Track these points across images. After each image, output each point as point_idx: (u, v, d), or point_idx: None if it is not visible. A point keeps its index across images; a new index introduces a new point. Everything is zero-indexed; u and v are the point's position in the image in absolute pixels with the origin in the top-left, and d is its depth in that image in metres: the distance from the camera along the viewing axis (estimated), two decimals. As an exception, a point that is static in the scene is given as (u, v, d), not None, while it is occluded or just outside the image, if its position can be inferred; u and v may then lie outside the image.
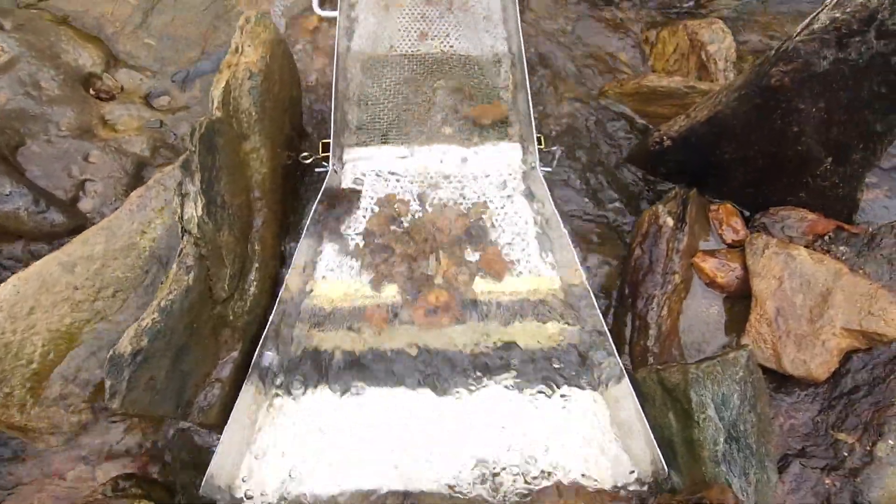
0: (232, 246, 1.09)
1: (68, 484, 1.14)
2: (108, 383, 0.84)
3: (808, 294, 1.19)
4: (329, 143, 1.45)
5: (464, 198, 1.43)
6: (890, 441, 1.04)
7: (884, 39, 0.95)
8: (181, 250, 0.98)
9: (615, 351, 1.18)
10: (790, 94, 1.07)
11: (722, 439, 1.01)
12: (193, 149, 0.99)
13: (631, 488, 1.11)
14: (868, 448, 1.06)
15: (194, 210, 0.97)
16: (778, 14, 1.74)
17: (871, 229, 1.25)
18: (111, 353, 0.85)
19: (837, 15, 0.95)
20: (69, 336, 1.17)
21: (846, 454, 1.08)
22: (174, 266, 0.96)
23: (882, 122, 1.07)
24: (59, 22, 1.72)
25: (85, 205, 1.40)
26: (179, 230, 0.99)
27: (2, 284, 1.12)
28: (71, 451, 1.16)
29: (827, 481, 1.07)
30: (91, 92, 1.61)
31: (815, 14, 0.99)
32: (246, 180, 1.19)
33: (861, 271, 1.19)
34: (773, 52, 1.06)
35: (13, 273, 1.24)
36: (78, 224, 1.36)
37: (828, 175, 1.21)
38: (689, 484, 1.06)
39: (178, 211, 0.98)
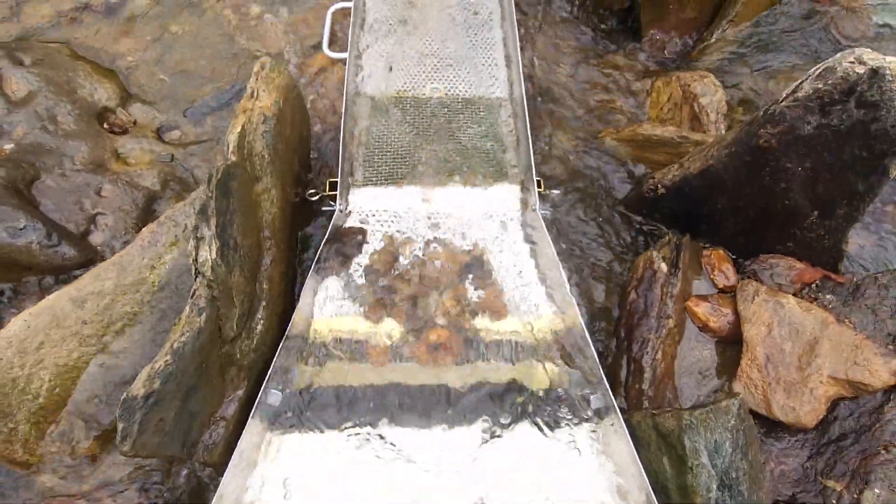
0: (242, 286, 1.12)
1: (68, 520, 1.14)
2: (120, 426, 0.86)
3: (797, 342, 1.24)
4: (336, 181, 1.50)
5: (465, 238, 1.47)
6: (876, 489, 1.08)
7: (863, 109, 1.02)
8: (194, 292, 1.01)
9: (611, 395, 1.21)
10: (777, 154, 1.13)
11: (715, 486, 1.04)
12: (211, 194, 1.03)
13: None
14: (855, 496, 1.09)
15: (209, 253, 1.01)
16: (759, 68, 1.84)
17: (855, 279, 1.31)
18: (124, 395, 0.88)
19: (820, 86, 1.02)
20: (76, 371, 1.19)
21: (834, 501, 1.11)
22: (187, 308, 0.99)
23: (864, 182, 1.14)
24: (76, 57, 1.78)
25: (96, 238, 1.44)
26: (193, 272, 1.02)
27: (13, 319, 1.15)
28: (72, 484, 1.16)
29: (817, 528, 1.09)
30: (105, 126, 1.66)
31: (799, 82, 1.06)
32: (257, 220, 1.23)
33: (847, 321, 1.24)
34: (761, 114, 1.13)
35: (15, 305, 1.27)
36: (88, 258, 1.39)
37: (814, 227, 1.27)
38: (683, 530, 1.08)
39: (193, 254, 1.01)
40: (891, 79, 0.98)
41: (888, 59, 0.97)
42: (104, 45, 1.87)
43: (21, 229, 1.29)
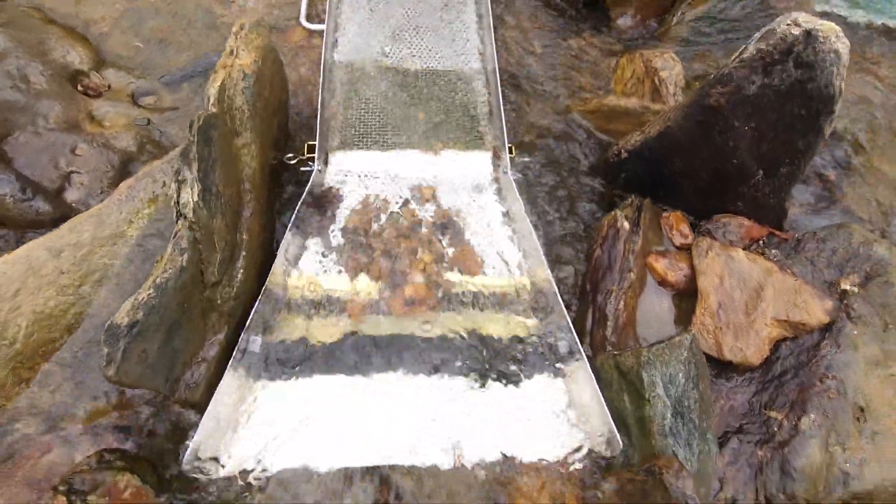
0: (223, 233, 1.16)
1: (45, 465, 1.14)
2: (104, 351, 0.89)
3: (745, 290, 1.35)
4: (314, 145, 1.54)
5: (440, 200, 1.53)
6: (812, 416, 1.19)
7: (800, 69, 1.12)
8: (176, 232, 1.04)
9: (577, 340, 1.30)
10: (726, 113, 1.24)
11: (669, 414, 1.13)
12: (192, 139, 1.06)
13: (589, 464, 1.21)
14: (794, 423, 1.19)
15: (190, 196, 1.04)
16: (715, 46, 1.96)
17: (796, 235, 1.43)
18: (109, 323, 0.90)
19: (762, 46, 1.12)
20: (53, 318, 1.19)
21: (776, 429, 1.21)
22: (169, 247, 1.02)
23: (803, 140, 1.25)
24: (47, 21, 1.76)
25: (70, 195, 1.44)
26: (175, 214, 1.05)
27: (-11, 265, 1.15)
28: (48, 433, 1.17)
29: (760, 453, 1.20)
30: (79, 88, 1.65)
31: (745, 45, 1.16)
32: (237, 173, 1.26)
33: (788, 271, 1.36)
34: (712, 75, 1.23)
35: None
36: (63, 213, 1.39)
37: (760, 186, 1.38)
38: (641, 457, 1.17)
39: (175, 196, 1.04)
40: (822, 40, 1.08)
41: (820, 21, 1.08)
42: (75, 11, 1.85)
43: (-6, 182, 1.28)
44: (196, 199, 1.04)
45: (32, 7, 1.81)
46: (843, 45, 1.10)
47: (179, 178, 1.03)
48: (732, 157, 1.32)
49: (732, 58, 1.19)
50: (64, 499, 0.91)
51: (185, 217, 1.03)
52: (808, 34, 1.08)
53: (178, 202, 1.03)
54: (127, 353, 0.90)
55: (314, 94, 1.80)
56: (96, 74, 1.70)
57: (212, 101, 1.17)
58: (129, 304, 0.92)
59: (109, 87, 1.71)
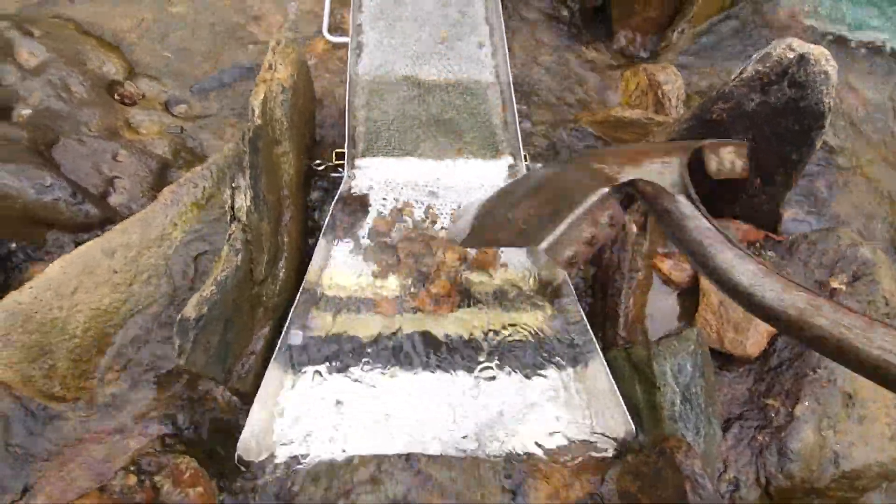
0: (268, 235, 1.25)
1: (102, 452, 1.23)
2: (177, 342, 0.98)
3: (744, 288, 1.47)
4: (342, 152, 1.64)
5: (461, 204, 1.64)
6: (806, 403, 1.31)
7: (793, 88, 1.25)
8: (230, 235, 1.13)
9: (591, 333, 1.40)
10: (727, 127, 1.35)
11: (678, 400, 1.25)
12: (245, 149, 1.15)
13: (606, 452, 1.32)
14: (790, 409, 1.31)
15: (244, 201, 1.13)
16: (712, 61, 2.10)
17: (790, 238, 1.55)
18: (179, 317, 0.99)
19: (760, 68, 1.24)
20: (108, 315, 1.28)
21: (773, 415, 1.33)
22: (225, 248, 1.11)
23: (796, 152, 1.37)
24: (81, 32, 1.84)
25: (114, 200, 1.52)
26: (229, 218, 1.14)
27: (50, 265, 1.23)
28: (104, 422, 1.25)
29: (759, 437, 1.32)
30: (115, 97, 1.73)
31: (745, 65, 1.28)
32: (278, 180, 1.36)
33: (784, 272, 1.48)
34: (714, 93, 1.35)
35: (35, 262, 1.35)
36: (108, 217, 1.47)
37: (757, 193, 1.50)
38: (652, 441, 1.28)
39: (230, 202, 1.13)
40: (814, 62, 1.21)
41: (812, 46, 1.20)
42: (105, 22, 1.94)
43: (47, 186, 1.36)
44: (249, 204, 1.14)
45: (65, 19, 1.89)
46: (831, 68, 1.22)
47: (234, 185, 1.13)
48: (732, 166, 1.44)
49: (733, 77, 1.31)
50: (135, 478, 0.99)
51: (240, 220, 1.12)
52: (801, 57, 1.20)
53: (232, 207, 1.13)
54: (195, 343, 0.99)
55: (337, 103, 1.90)
56: (131, 83, 1.79)
57: (257, 113, 1.26)
58: (195, 300, 1.01)
59: (143, 95, 1.80)
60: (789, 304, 0.70)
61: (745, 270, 0.77)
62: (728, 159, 1.22)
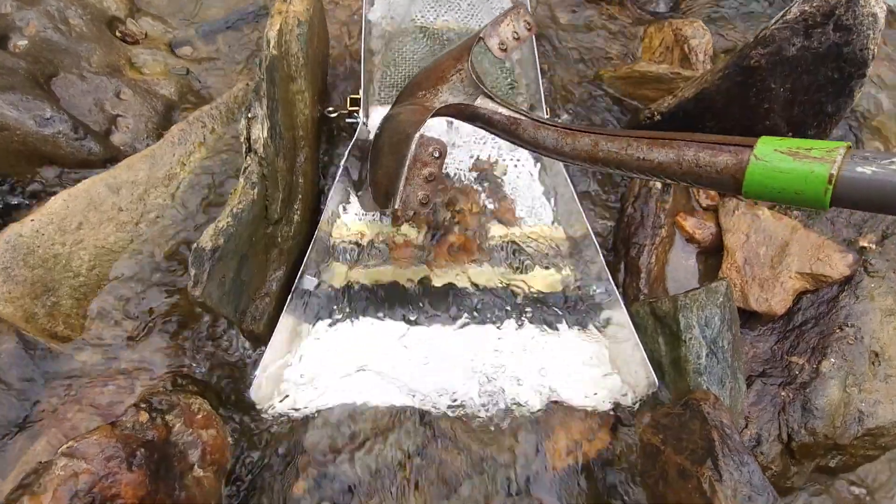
0: (284, 173, 1.19)
1: (108, 394, 1.18)
2: (192, 272, 0.92)
3: (770, 245, 1.43)
4: (356, 98, 1.57)
5: (478, 156, 1.58)
6: (832, 360, 1.28)
7: (838, 32, 1.19)
8: (246, 168, 1.07)
9: (614, 286, 1.36)
10: (764, 74, 1.30)
11: (704, 353, 1.21)
12: (262, 76, 1.08)
13: (628, 404, 1.29)
14: (815, 366, 1.29)
15: (261, 132, 1.07)
16: (739, 20, 2.02)
17: (818, 197, 1.51)
18: (195, 246, 0.94)
19: (806, 8, 1.18)
20: (113, 254, 1.22)
21: (797, 372, 1.31)
22: (241, 180, 1.05)
23: (833, 103, 1.32)
24: (80, -35, 1.73)
25: (117, 139, 1.44)
26: (244, 150, 1.08)
27: (52, 198, 1.17)
28: (110, 363, 1.20)
29: (783, 394, 1.29)
30: (116, 34, 1.64)
31: (789, 7, 1.22)
32: (293, 119, 1.29)
33: (812, 228, 1.44)
34: (753, 38, 1.29)
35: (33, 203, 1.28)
36: (111, 155, 1.40)
37: (787, 149, 1.45)
38: (675, 395, 1.25)
39: (245, 132, 1.07)
40: (863, 4, 1.15)
41: (862, -15, 1.14)
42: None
43: (48, 119, 1.28)
44: (265, 135, 1.07)
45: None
46: (880, 10, 1.16)
47: (250, 114, 1.06)
48: (765, 118, 1.39)
49: (775, 18, 1.25)
50: (147, 415, 0.95)
51: (256, 152, 1.06)
52: (851, -2, 1.14)
53: (248, 138, 1.06)
54: (211, 275, 0.94)
55: (348, 50, 1.82)
56: (133, 21, 1.69)
57: (272, 43, 1.19)
58: (211, 230, 0.96)
59: (146, 35, 1.70)
60: (580, 148, 0.92)
61: (547, 136, 0.98)
62: (508, 32, 1.25)
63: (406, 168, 1.06)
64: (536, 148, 1.01)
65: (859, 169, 0.62)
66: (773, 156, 0.69)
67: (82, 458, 0.83)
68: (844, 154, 0.64)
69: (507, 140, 1.09)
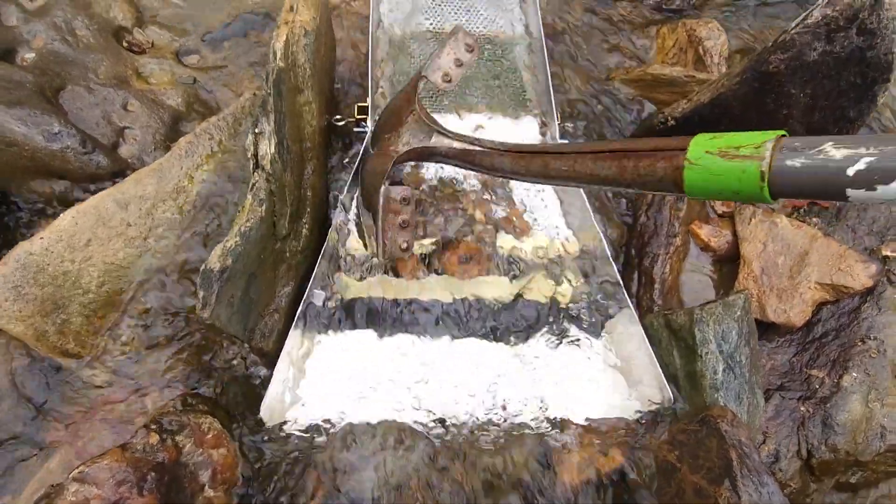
0: (292, 188, 1.17)
1: (120, 411, 1.18)
2: (200, 294, 0.91)
3: (789, 255, 1.39)
4: (364, 106, 1.55)
5: (489, 164, 1.55)
6: (854, 374, 1.25)
7: (862, 36, 1.15)
8: (253, 185, 1.06)
9: (628, 299, 1.34)
10: (783, 80, 1.26)
11: (721, 368, 1.19)
12: (269, 91, 1.07)
13: (643, 420, 1.27)
14: (836, 380, 1.26)
15: (268, 147, 1.05)
16: (758, 19, 1.97)
17: (837, 204, 1.47)
18: (203, 268, 0.93)
19: (828, 12, 1.14)
20: (122, 269, 1.22)
21: (817, 386, 1.27)
22: (249, 197, 1.04)
23: (854, 108, 1.28)
24: (86, -26, 1.73)
25: (125, 151, 1.44)
26: (252, 166, 1.07)
27: (61, 215, 1.16)
28: (121, 380, 1.20)
29: (802, 408, 1.26)
30: (123, 45, 1.63)
31: (809, 10, 1.17)
32: (300, 131, 1.28)
33: (832, 237, 1.40)
34: (772, 42, 1.25)
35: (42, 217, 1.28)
36: (120, 168, 1.39)
37: (807, 155, 1.41)
38: (692, 410, 1.22)
39: (253, 148, 1.06)
40: (888, 7, 1.10)
41: (889, -12, 1.10)
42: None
43: (56, 133, 1.28)
44: (273, 151, 1.06)
45: (69, -40, 1.77)
46: (906, 13, 1.12)
47: (257, 130, 1.05)
48: (784, 124, 1.35)
49: (795, 22, 1.20)
50: (157, 436, 0.94)
51: (263, 168, 1.05)
52: (876, 1, 1.10)
53: (255, 154, 1.05)
54: (220, 296, 0.93)
55: (355, 58, 1.80)
56: (139, 31, 1.68)
57: (279, 55, 1.17)
58: (219, 251, 0.95)
59: (153, 44, 1.69)
60: (534, 169, 0.94)
61: (502, 162, 1.00)
62: (450, 62, 1.18)
63: (380, 220, 1.11)
64: (496, 173, 1.04)
65: (789, 162, 0.60)
66: (704, 158, 0.67)
67: (93, 484, 0.83)
68: (773, 148, 0.61)
69: (469, 169, 1.13)
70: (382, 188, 1.10)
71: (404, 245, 1.13)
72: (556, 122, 1.59)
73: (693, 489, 1.09)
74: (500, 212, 1.47)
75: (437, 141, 1.12)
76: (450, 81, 1.17)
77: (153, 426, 0.96)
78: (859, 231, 1.42)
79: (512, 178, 1.05)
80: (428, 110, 1.56)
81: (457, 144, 1.09)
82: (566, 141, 1.56)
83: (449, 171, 1.51)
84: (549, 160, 0.90)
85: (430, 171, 1.51)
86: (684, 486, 1.12)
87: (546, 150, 0.92)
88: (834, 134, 1.36)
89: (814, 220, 1.47)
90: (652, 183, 0.75)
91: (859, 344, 1.28)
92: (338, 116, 1.58)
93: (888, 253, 1.37)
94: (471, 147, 1.07)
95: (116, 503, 0.83)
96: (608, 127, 1.73)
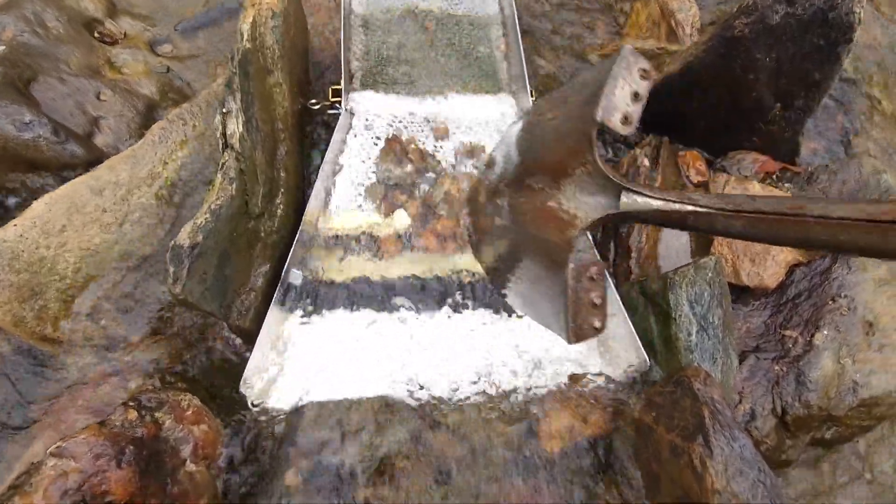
0: (263, 167, 1.18)
1: (102, 395, 1.19)
2: (171, 269, 0.92)
3: (761, 219, 1.41)
4: (338, 89, 1.55)
5: (463, 142, 1.56)
6: (825, 332, 1.27)
7: (823, -4, 1.16)
8: (223, 164, 1.07)
9: (605, 268, 1.35)
10: (748, 45, 1.27)
11: (695, 330, 1.20)
12: (235, 70, 1.07)
13: (620, 385, 1.29)
14: (808, 339, 1.28)
15: (236, 126, 1.06)
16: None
17: (809, 168, 1.49)
18: (173, 243, 0.94)
19: (788, -27, 1.15)
20: (98, 255, 1.22)
21: (791, 346, 1.30)
22: (218, 176, 1.05)
23: (819, 71, 1.30)
24: (56, -33, 1.72)
25: (100, 140, 1.44)
26: (221, 146, 1.08)
27: (34, 203, 1.17)
28: (102, 364, 1.21)
29: (776, 368, 1.28)
30: (95, 35, 1.63)
31: (770, -27, 1.19)
32: (270, 112, 1.28)
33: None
34: (736, 7, 1.26)
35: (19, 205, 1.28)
36: (95, 157, 1.40)
37: (776, 120, 1.43)
38: (667, 373, 1.24)
39: (220, 127, 1.06)
40: (846, -34, 1.12)
41: (845, -54, 1.11)
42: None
43: (27, 123, 1.28)
44: (241, 129, 1.07)
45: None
46: (865, -28, 1.13)
47: (224, 109, 1.05)
48: (752, 90, 1.36)
49: (757, -13, 1.22)
50: (135, 413, 0.96)
51: (232, 147, 1.05)
52: (834, -40, 1.11)
53: (224, 133, 1.06)
54: (191, 272, 0.94)
55: (328, 42, 1.80)
56: (112, 22, 1.68)
57: (245, 36, 1.17)
58: (189, 228, 0.96)
59: (125, 34, 1.69)
60: (778, 233, 0.77)
61: (730, 226, 0.82)
62: (627, 97, 0.86)
63: (570, 303, 0.91)
64: (723, 235, 0.90)
65: None
66: None
67: (71, 458, 0.84)
68: None
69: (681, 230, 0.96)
70: (571, 265, 0.90)
71: (598, 325, 0.93)
72: (530, 99, 1.60)
73: (669, 448, 1.11)
74: (465, 186, 1.48)
75: (629, 203, 0.89)
76: (629, 124, 0.86)
77: (131, 403, 0.97)
78: (830, 194, 1.44)
79: (746, 240, 0.90)
80: (397, 87, 1.57)
81: (659, 205, 0.86)
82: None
83: (423, 148, 1.52)
84: (810, 228, 0.71)
85: (407, 148, 1.52)
86: (660, 446, 1.14)
87: (804, 214, 0.71)
88: (801, 97, 1.38)
89: (786, 185, 1.49)
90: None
91: (830, 303, 1.30)
92: (313, 101, 1.59)
93: (858, 213, 1.38)
94: (678, 208, 0.85)
95: (94, 475, 0.84)
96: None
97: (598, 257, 0.99)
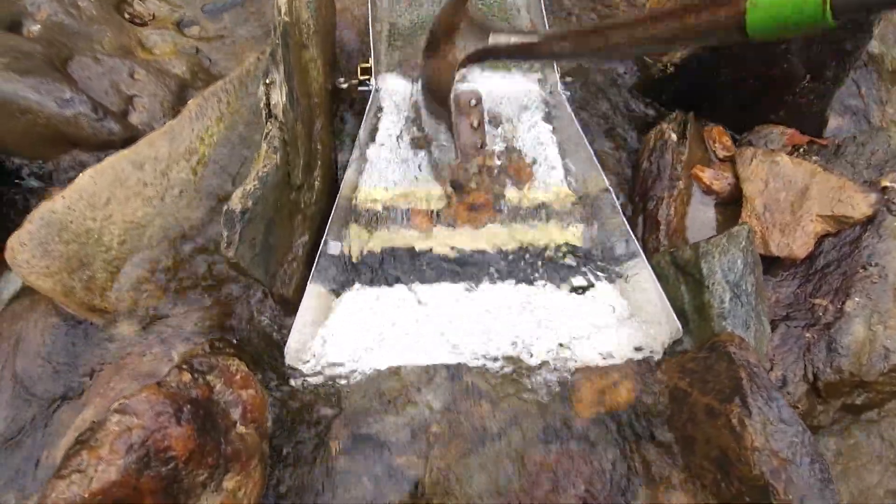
0: (304, 139, 1.20)
1: (147, 364, 1.22)
2: (224, 233, 0.94)
3: (790, 190, 1.42)
4: (367, 67, 1.57)
5: (492, 115, 1.58)
6: (856, 299, 1.28)
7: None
8: (267, 133, 1.08)
9: (635, 240, 1.37)
10: (780, 14, 1.28)
11: (728, 297, 1.22)
12: (277, 41, 1.09)
13: (653, 353, 1.31)
14: (839, 307, 1.29)
15: (280, 96, 1.08)
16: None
17: (836, 140, 1.50)
18: (226, 208, 0.96)
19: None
20: (141, 228, 1.25)
21: (821, 314, 1.31)
22: (263, 145, 1.07)
23: (851, 40, 1.30)
24: (84, -51, 1.74)
25: (135, 118, 1.46)
26: (265, 116, 1.09)
27: (80, 175, 1.19)
28: (147, 333, 1.24)
29: (807, 335, 1.30)
30: (125, 16, 1.65)
31: (803, -58, 1.19)
32: (307, 86, 1.30)
33: (832, 170, 1.43)
34: (767, -23, 1.26)
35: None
36: (131, 135, 1.42)
37: (805, 92, 1.44)
38: (700, 341, 1.26)
39: (265, 98, 1.08)
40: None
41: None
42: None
43: (67, 100, 1.30)
44: (284, 100, 1.08)
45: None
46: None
47: (268, 80, 1.07)
48: (782, 61, 1.37)
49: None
50: (189, 375, 0.98)
51: (276, 118, 1.07)
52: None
53: (268, 104, 1.07)
54: (242, 236, 0.96)
55: (356, 21, 1.81)
56: (140, 3, 1.70)
57: (283, 10, 1.19)
58: (240, 193, 0.98)
59: (154, 16, 1.71)
60: (594, 45, 1.01)
61: (563, 46, 1.08)
62: None
63: (455, 123, 1.25)
64: (555, 58, 1.18)
65: None
66: None
67: (133, 414, 0.87)
68: None
69: (530, 60, 1.27)
70: (452, 94, 1.21)
71: (479, 143, 1.26)
72: (556, 75, 1.61)
73: (704, 411, 1.13)
74: (505, 161, 1.50)
75: (495, 40, 1.18)
76: None
77: (184, 366, 1.00)
78: (858, 166, 1.45)
79: (573, 60, 1.15)
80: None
81: (515, 39, 1.15)
82: (565, 93, 1.57)
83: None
84: (609, 34, 0.94)
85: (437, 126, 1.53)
86: (696, 410, 1.16)
87: (605, 26, 0.98)
88: (832, 67, 1.39)
89: (813, 158, 1.50)
90: (714, 32, 0.79)
91: (861, 271, 1.31)
92: (341, 79, 1.60)
93: (888, 183, 1.40)
94: (531, 40, 1.13)
95: (157, 431, 0.86)
96: (607, 78, 1.75)
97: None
